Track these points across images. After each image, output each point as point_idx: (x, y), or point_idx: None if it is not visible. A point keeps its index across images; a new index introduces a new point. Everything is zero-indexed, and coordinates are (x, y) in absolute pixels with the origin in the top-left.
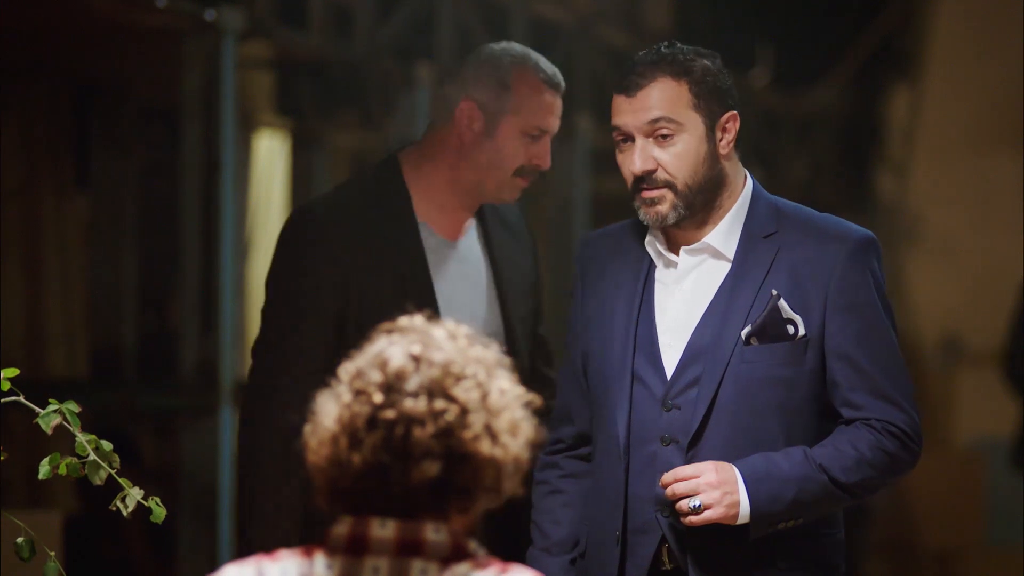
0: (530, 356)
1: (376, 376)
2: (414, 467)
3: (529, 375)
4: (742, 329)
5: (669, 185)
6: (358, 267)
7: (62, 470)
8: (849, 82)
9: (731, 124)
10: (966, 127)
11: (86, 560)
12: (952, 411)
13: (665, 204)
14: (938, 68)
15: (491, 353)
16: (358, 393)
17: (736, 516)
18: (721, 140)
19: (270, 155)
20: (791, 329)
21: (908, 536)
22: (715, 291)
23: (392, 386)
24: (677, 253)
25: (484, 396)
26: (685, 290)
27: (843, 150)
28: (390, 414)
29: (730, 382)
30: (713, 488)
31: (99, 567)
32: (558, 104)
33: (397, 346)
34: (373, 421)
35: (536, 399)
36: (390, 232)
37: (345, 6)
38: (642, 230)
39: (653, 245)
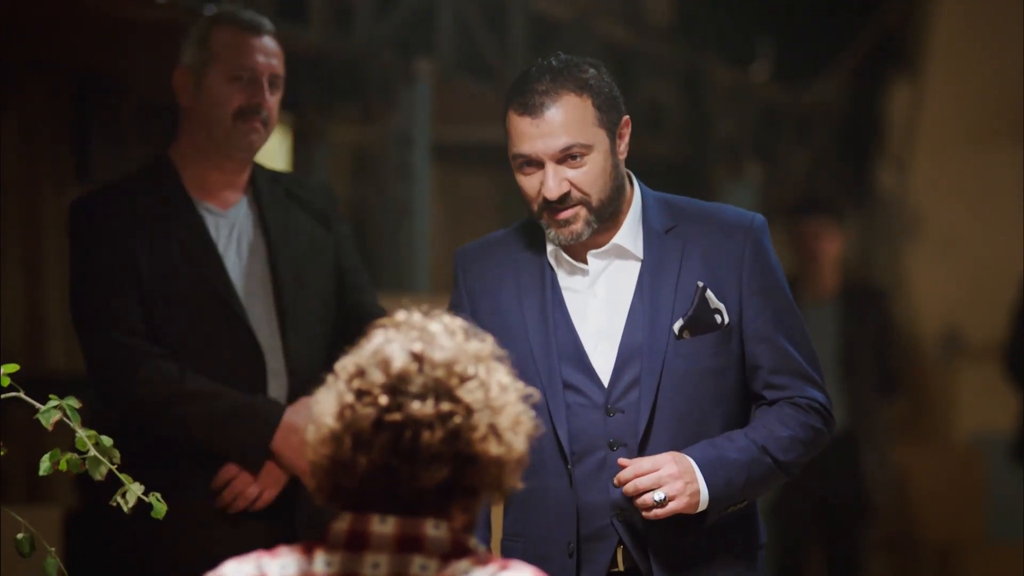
0: (308, 311)
1: (378, 376)
2: (423, 471)
3: (295, 328)
4: (672, 324)
5: (583, 203)
6: (143, 245)
7: (63, 466)
8: (849, 77)
9: (625, 129)
10: (966, 122)
11: (86, 555)
12: (952, 406)
13: (579, 222)
14: (938, 63)
15: (486, 346)
16: (361, 393)
17: (697, 504)
18: (620, 146)
19: (270, 150)
20: (718, 318)
21: (908, 531)
22: (632, 290)
23: (396, 387)
24: (581, 258)
25: (487, 394)
26: (599, 294)
27: (843, 145)
28: (397, 417)
29: (668, 378)
30: (675, 479)
31: (99, 562)
32: (262, 44)
33: (396, 343)
34: (379, 423)
35: (535, 392)
36: (166, 209)
37: (345, 0)
38: (529, 238)
39: (556, 254)
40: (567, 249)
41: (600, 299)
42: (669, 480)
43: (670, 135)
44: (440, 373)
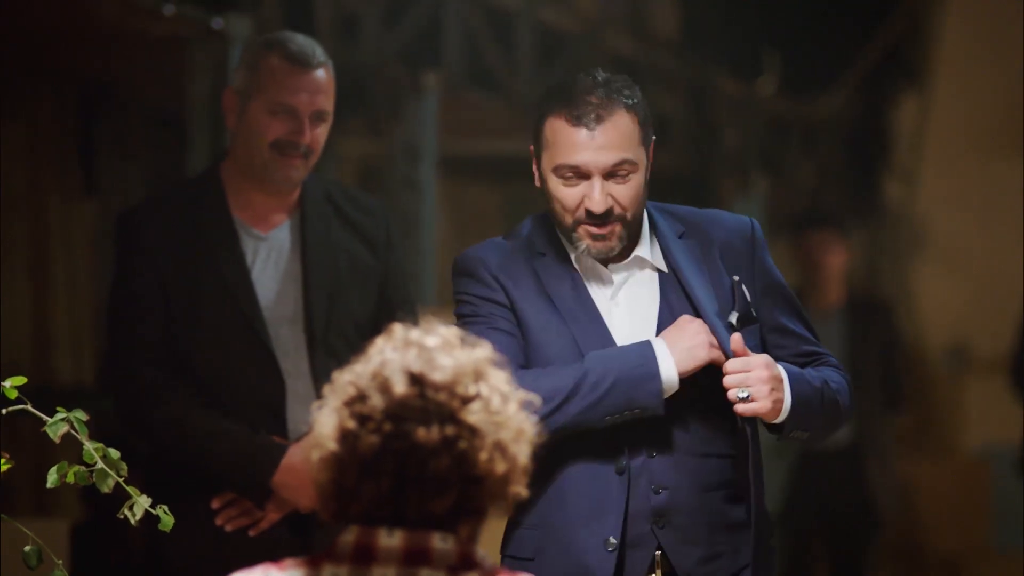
0: (341, 335)
1: (379, 401)
2: (431, 497)
3: (325, 352)
4: (724, 319)
5: (620, 220)
6: (175, 263)
7: (70, 478)
8: (856, 89)
9: (652, 149)
10: (973, 134)
11: (92, 568)
12: (959, 418)
13: (614, 239)
14: (946, 75)
15: (482, 352)
16: (363, 419)
17: (779, 413)
18: (649, 166)
19: None
20: (754, 312)
21: (915, 542)
22: (656, 299)
23: (399, 414)
24: (605, 267)
25: (489, 412)
26: (621, 303)
27: (850, 157)
28: (403, 445)
29: (708, 373)
30: (763, 383)
31: (105, 574)
32: (310, 80)
33: (395, 364)
34: (384, 451)
35: (535, 398)
36: (206, 228)
37: (352, 13)
38: (540, 247)
39: (582, 261)
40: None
41: (622, 308)
42: (757, 383)
43: (677, 147)
44: (442, 396)
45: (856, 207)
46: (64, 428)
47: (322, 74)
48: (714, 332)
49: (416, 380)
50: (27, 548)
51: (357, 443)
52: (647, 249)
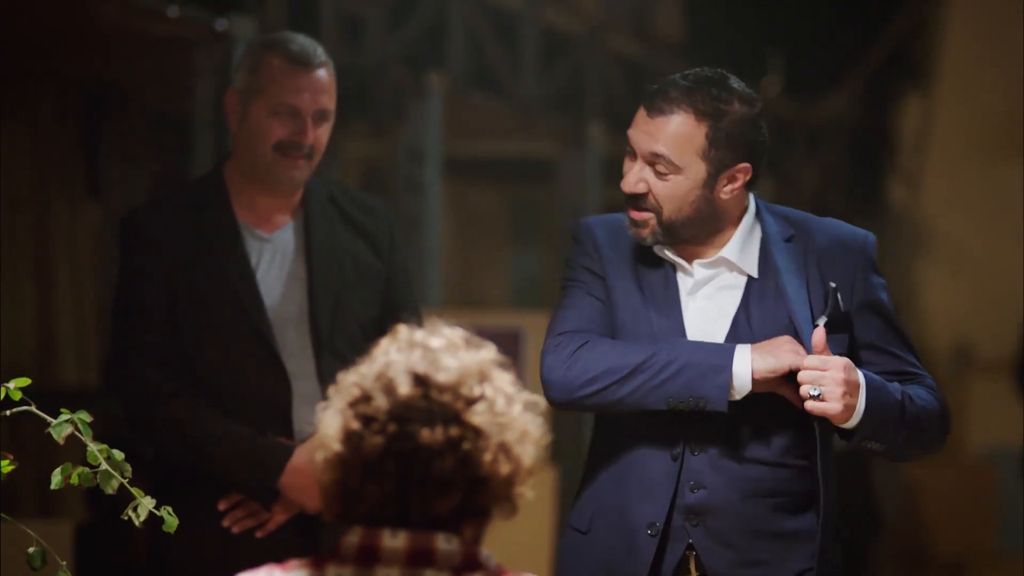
0: (346, 338)
1: (384, 402)
2: (435, 498)
3: (331, 353)
4: (812, 320)
5: (655, 211)
6: (179, 265)
7: (74, 480)
8: (861, 91)
9: (741, 175)
10: (977, 136)
11: (96, 569)
12: (963, 419)
13: (647, 229)
14: (949, 77)
15: (487, 353)
16: (367, 420)
17: (848, 419)
18: (725, 187)
19: None
20: (847, 321)
21: (919, 544)
22: (737, 303)
23: (403, 415)
24: (690, 262)
25: (494, 414)
26: (699, 300)
27: (854, 159)
28: (407, 446)
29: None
30: (837, 385)
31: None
32: (311, 80)
33: (400, 365)
34: (388, 452)
35: (540, 400)
36: (210, 231)
37: (356, 15)
38: None
39: (663, 252)
40: (678, 254)
41: (699, 305)
42: (831, 384)
43: None
44: (447, 397)
45: (859, 209)
46: (68, 429)
47: (323, 73)
48: (804, 341)
49: (420, 381)
50: (31, 550)
51: (361, 444)
52: (736, 252)
